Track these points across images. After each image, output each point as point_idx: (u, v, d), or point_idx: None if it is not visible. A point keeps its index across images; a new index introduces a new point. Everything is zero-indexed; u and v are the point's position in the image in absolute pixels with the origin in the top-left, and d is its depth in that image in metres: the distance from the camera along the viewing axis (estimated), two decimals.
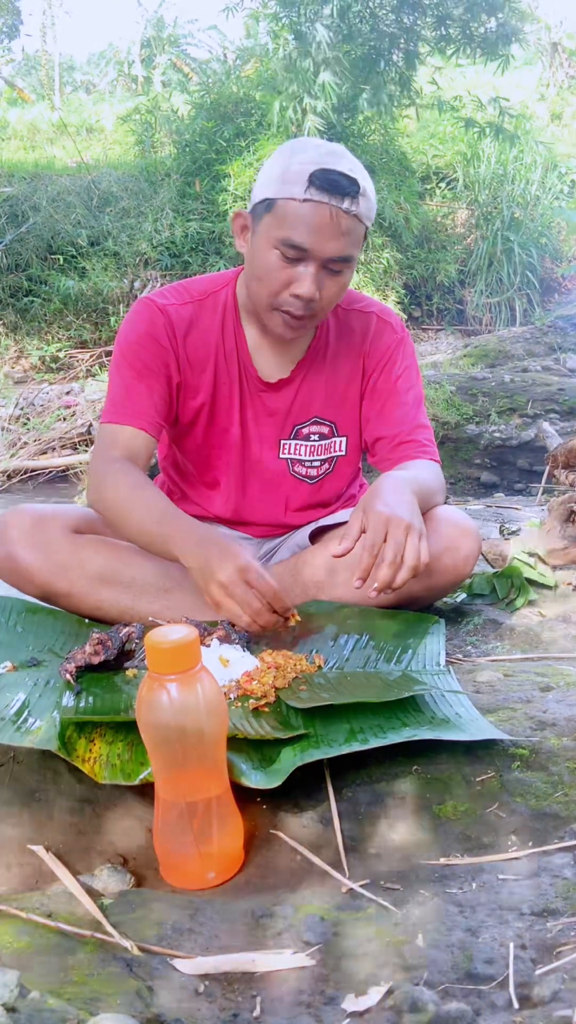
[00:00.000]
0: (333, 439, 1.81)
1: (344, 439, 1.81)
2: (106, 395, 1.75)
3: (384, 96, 7.17)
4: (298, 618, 1.51)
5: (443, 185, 9.50)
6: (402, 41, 6.93)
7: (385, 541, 1.39)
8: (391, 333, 1.77)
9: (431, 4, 6.82)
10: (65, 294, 7.65)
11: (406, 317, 8.25)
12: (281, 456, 1.80)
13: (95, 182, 8.90)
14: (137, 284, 7.69)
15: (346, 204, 1.49)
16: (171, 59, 17.76)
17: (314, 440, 1.80)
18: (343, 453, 1.82)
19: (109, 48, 21.73)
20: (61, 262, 8.00)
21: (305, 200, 1.49)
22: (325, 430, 1.79)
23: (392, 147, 8.50)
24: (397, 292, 8.06)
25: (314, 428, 1.79)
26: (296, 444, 1.80)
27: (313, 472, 1.82)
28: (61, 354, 7.41)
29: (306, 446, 1.80)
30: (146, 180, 8.90)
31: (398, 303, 7.99)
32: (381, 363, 1.76)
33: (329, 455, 1.82)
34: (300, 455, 1.80)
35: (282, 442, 1.79)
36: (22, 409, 5.46)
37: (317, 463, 1.82)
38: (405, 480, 1.55)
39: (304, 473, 1.82)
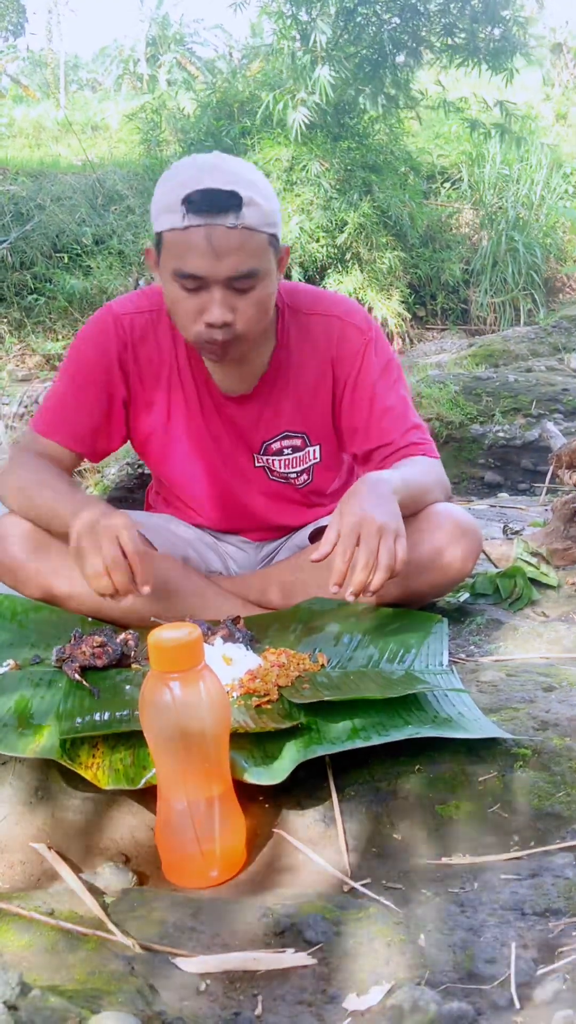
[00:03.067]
0: (307, 449, 1.76)
1: (318, 447, 1.76)
2: (44, 396, 1.74)
3: (382, 98, 7.16)
4: (147, 590, 1.44)
5: (448, 185, 9.49)
6: (407, 44, 6.92)
7: (359, 544, 1.38)
8: (358, 334, 1.68)
9: (437, 12, 6.81)
10: (70, 292, 7.65)
11: (410, 316, 8.24)
12: (256, 466, 1.76)
13: (100, 180, 8.90)
14: (142, 282, 7.69)
15: (230, 220, 1.41)
16: (176, 58, 17.77)
17: (288, 453, 1.75)
18: (318, 460, 1.77)
19: (113, 44, 21.74)
20: (66, 260, 8.00)
21: (186, 227, 1.42)
22: (297, 442, 1.74)
23: (397, 147, 8.50)
24: (401, 291, 8.05)
25: (286, 442, 1.74)
26: (269, 459, 1.75)
27: (292, 482, 1.79)
28: (65, 352, 7.41)
29: (280, 460, 1.76)
30: (151, 179, 8.89)
31: (402, 302, 7.98)
32: (353, 368, 1.68)
33: (306, 465, 1.77)
34: (276, 468, 1.76)
35: (254, 455, 1.75)
36: (26, 407, 5.47)
37: (295, 474, 1.78)
38: (384, 479, 1.51)
39: (284, 478, 1.78)
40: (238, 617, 1.60)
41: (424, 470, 1.66)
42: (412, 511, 1.58)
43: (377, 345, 1.70)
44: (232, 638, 1.51)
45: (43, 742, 1.22)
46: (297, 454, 1.76)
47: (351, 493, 1.47)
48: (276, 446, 1.74)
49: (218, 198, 1.41)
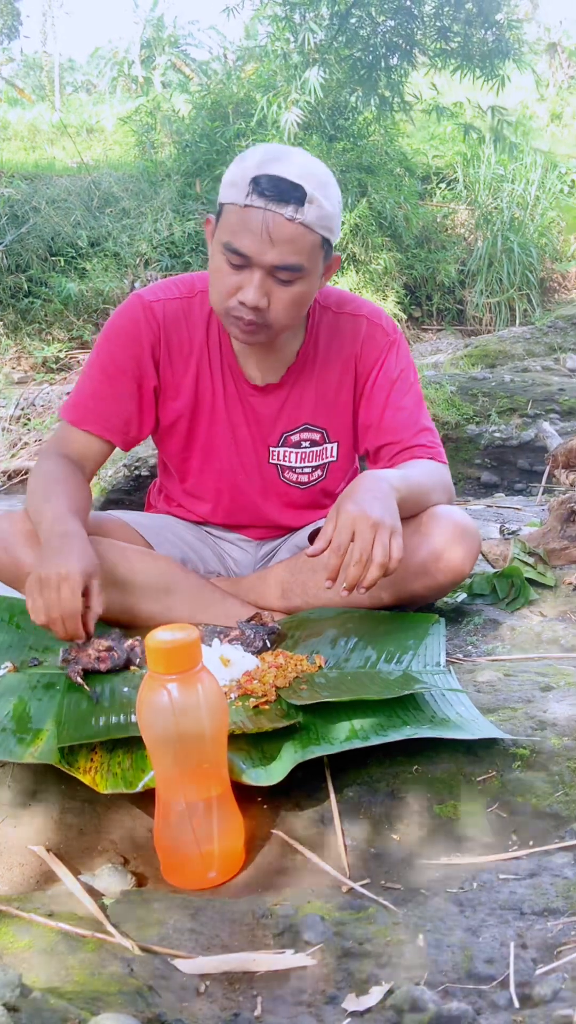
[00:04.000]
0: (325, 445, 1.77)
1: (336, 445, 1.78)
2: (75, 385, 1.75)
3: (375, 99, 7.17)
4: (89, 644, 1.47)
5: (443, 185, 9.51)
6: (401, 47, 6.93)
7: (353, 540, 1.39)
8: (383, 335, 1.72)
9: (431, 15, 6.82)
10: (65, 295, 7.66)
11: (406, 317, 8.25)
12: (270, 462, 1.77)
13: (95, 183, 8.91)
14: (137, 284, 7.69)
15: (289, 211, 1.44)
16: (171, 60, 17.78)
17: (305, 447, 1.77)
18: (335, 459, 1.79)
19: (108, 46, 21.76)
20: (62, 263, 8.01)
21: (246, 206, 1.45)
22: (316, 436, 1.76)
23: (392, 148, 8.51)
24: (397, 292, 8.06)
25: (305, 435, 1.76)
26: (285, 451, 1.76)
27: (304, 479, 1.79)
28: (62, 355, 7.42)
29: (297, 453, 1.77)
30: (146, 181, 8.91)
31: (398, 303, 7.99)
32: (375, 367, 1.72)
33: (321, 462, 1.78)
34: (290, 462, 1.77)
35: (271, 449, 1.76)
36: (23, 409, 5.46)
37: (308, 470, 1.79)
38: (384, 477, 1.52)
39: (295, 480, 1.79)
40: (258, 614, 1.60)
41: (427, 472, 1.66)
42: (412, 511, 1.58)
43: (399, 349, 1.74)
44: (245, 639, 1.51)
45: (41, 746, 1.22)
46: (314, 448, 1.77)
47: (348, 490, 1.48)
48: (295, 438, 1.76)
49: (284, 187, 1.44)
